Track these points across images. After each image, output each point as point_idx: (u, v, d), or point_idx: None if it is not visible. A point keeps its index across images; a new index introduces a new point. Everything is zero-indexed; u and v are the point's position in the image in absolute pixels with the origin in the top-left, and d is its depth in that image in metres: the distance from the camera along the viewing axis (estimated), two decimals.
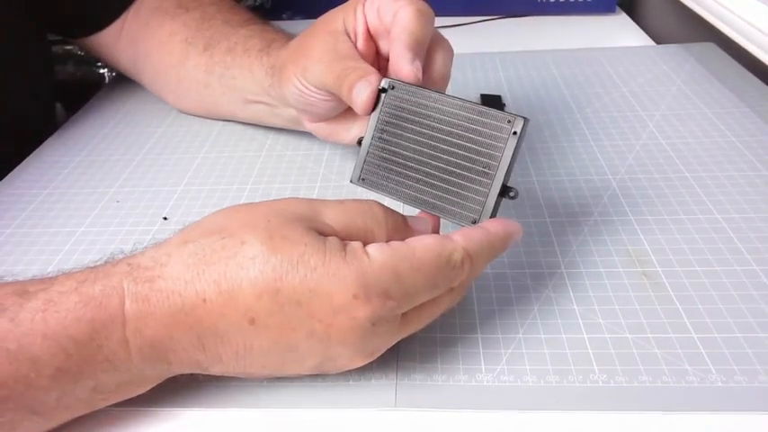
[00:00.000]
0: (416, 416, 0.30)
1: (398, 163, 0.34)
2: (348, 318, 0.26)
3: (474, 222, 0.32)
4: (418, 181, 0.33)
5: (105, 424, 0.30)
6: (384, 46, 0.40)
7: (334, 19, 0.40)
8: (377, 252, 0.27)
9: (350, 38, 0.39)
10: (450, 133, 0.33)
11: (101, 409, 0.30)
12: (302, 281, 0.26)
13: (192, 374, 0.30)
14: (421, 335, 0.33)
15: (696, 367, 0.31)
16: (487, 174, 0.31)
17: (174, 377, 0.30)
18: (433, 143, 0.33)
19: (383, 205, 0.31)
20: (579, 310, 0.35)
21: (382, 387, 0.31)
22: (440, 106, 0.33)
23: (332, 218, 0.29)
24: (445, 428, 0.29)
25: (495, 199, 0.31)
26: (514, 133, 0.31)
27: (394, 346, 0.30)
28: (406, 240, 0.28)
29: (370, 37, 0.39)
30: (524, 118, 0.31)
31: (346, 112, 0.43)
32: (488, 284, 0.37)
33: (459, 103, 0.33)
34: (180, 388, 0.31)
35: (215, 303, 0.26)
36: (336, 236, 0.28)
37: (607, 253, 0.38)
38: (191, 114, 0.59)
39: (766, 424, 0.28)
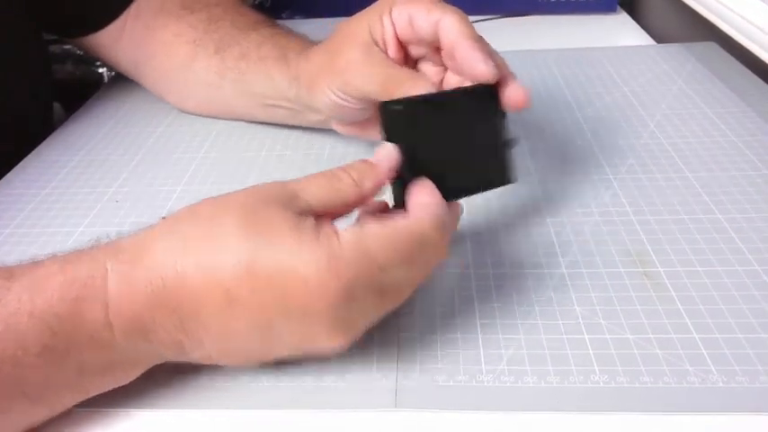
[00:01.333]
0: (417, 417, 0.30)
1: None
2: (321, 297, 0.27)
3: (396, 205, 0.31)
4: None
5: (101, 425, 0.30)
6: (414, 51, 0.40)
7: (359, 29, 0.40)
8: (349, 234, 0.28)
9: (379, 46, 0.39)
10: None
11: (92, 410, 0.30)
12: (277, 262, 0.27)
13: (187, 375, 0.30)
14: (421, 335, 0.33)
15: (697, 368, 0.31)
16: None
17: (169, 377, 0.30)
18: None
19: (343, 166, 0.31)
20: (580, 310, 0.34)
21: (382, 388, 0.31)
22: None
23: (306, 192, 0.30)
24: (446, 429, 0.29)
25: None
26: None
27: (393, 345, 0.30)
28: (381, 220, 0.29)
29: (400, 44, 0.40)
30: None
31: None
32: (489, 285, 0.37)
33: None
34: (176, 389, 0.31)
35: (194, 287, 0.27)
36: (313, 213, 0.29)
37: (608, 253, 0.38)
38: (196, 114, 0.59)
39: (767, 425, 0.28)
